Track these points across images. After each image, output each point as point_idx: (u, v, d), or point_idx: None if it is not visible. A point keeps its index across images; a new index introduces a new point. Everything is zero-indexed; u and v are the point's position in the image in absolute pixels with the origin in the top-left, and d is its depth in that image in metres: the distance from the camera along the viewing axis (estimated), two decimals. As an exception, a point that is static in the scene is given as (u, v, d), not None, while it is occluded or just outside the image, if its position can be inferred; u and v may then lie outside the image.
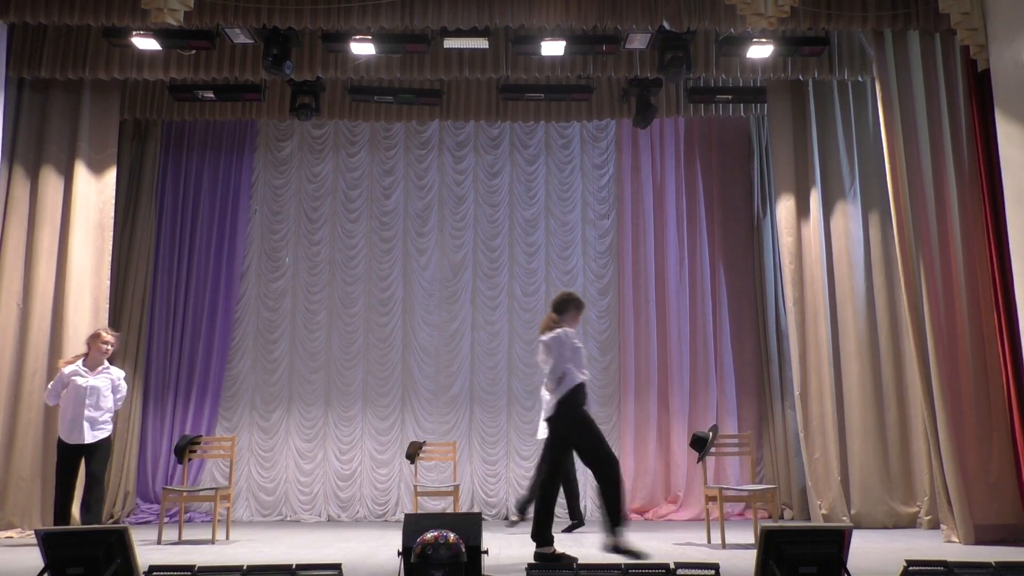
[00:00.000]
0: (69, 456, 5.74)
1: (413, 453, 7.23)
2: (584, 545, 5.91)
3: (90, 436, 5.72)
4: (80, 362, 5.87)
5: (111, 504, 7.71)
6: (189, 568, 3.53)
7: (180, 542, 6.17)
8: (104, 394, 5.82)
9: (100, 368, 5.87)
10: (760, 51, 6.85)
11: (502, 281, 8.79)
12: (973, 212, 6.24)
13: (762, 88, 7.81)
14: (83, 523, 5.69)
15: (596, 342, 8.66)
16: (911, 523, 6.95)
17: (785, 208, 7.51)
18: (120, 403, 6.02)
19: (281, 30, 6.61)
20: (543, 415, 5.15)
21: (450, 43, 6.81)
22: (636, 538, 6.25)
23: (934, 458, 6.20)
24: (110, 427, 5.86)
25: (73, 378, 5.79)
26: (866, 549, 5.37)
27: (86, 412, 5.73)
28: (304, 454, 8.45)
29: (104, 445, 5.80)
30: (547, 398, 5.33)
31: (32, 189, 7.14)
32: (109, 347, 5.91)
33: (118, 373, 5.99)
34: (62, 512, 5.72)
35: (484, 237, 8.87)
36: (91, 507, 5.68)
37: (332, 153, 9.00)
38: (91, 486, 5.74)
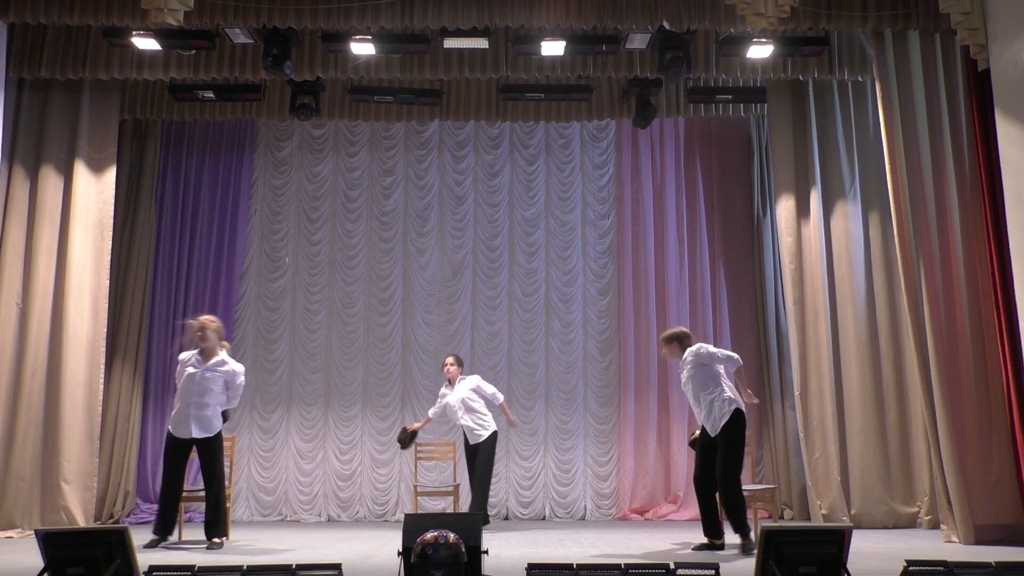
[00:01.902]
0: (174, 450, 5.82)
1: (405, 439, 7.24)
2: (583, 545, 5.91)
3: (197, 431, 5.77)
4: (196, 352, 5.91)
5: (111, 504, 7.72)
6: (189, 568, 3.52)
7: (180, 542, 6.17)
8: (212, 388, 5.80)
9: (214, 360, 5.86)
10: (760, 51, 6.84)
11: (502, 281, 8.79)
12: (973, 212, 6.23)
13: (762, 88, 7.81)
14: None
15: (596, 342, 8.66)
16: (911, 523, 6.95)
17: (785, 208, 7.51)
18: (234, 399, 5.97)
19: (281, 30, 6.61)
20: (710, 424, 5.47)
21: (450, 43, 6.81)
22: (636, 538, 6.27)
23: (934, 458, 6.20)
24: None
25: (186, 367, 5.86)
26: (866, 549, 5.37)
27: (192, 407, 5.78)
28: (304, 454, 8.45)
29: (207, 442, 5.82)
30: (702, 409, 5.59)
31: (32, 189, 7.13)
32: (199, 335, 5.86)
33: (235, 368, 5.93)
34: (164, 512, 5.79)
35: (484, 237, 8.87)
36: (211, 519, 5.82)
37: (332, 153, 9.00)
38: (208, 491, 5.85)
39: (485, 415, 7.24)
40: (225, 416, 6.08)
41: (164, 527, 5.77)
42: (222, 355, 5.92)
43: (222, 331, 5.99)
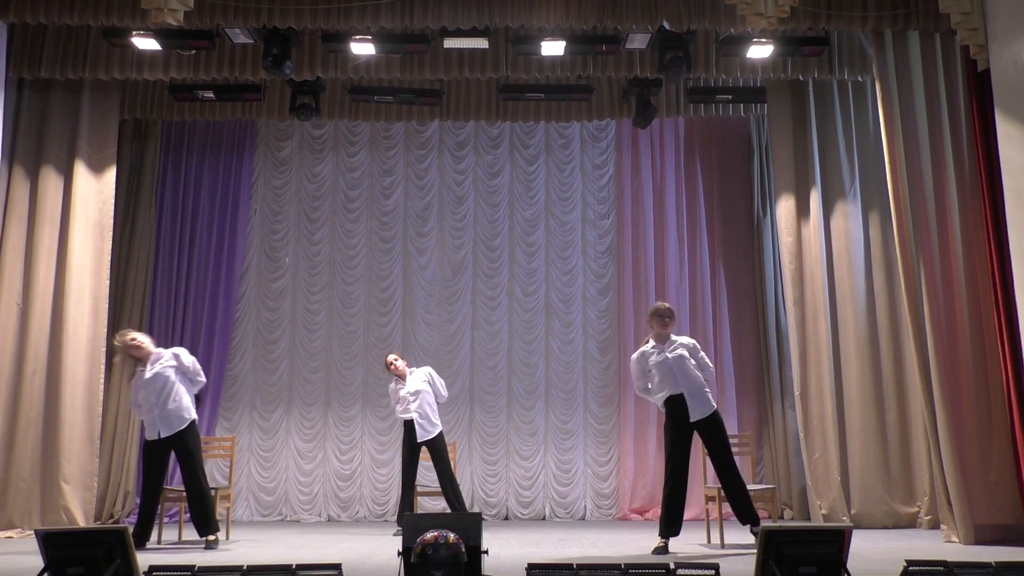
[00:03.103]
0: (149, 454, 5.84)
1: None
2: (583, 545, 5.91)
3: (164, 430, 5.78)
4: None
5: (111, 504, 7.72)
6: (189, 568, 3.52)
7: (180, 542, 6.18)
8: (167, 382, 5.83)
9: (153, 358, 5.91)
10: (760, 51, 6.84)
11: (502, 281, 8.79)
12: (973, 212, 6.23)
13: (762, 88, 7.81)
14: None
15: (596, 342, 8.66)
16: (911, 523, 6.95)
17: (785, 208, 7.51)
18: (196, 377, 6.02)
19: (281, 30, 6.61)
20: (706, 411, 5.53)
21: (450, 43, 6.81)
22: (636, 538, 6.28)
23: (934, 458, 6.19)
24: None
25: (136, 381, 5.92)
26: (866, 549, 5.37)
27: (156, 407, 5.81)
28: (304, 454, 8.45)
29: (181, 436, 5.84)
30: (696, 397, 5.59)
31: (32, 189, 7.13)
32: (133, 350, 5.91)
33: (170, 353, 5.99)
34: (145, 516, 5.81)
35: (484, 237, 8.87)
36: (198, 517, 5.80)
37: (332, 153, 9.00)
38: (187, 489, 5.84)
39: (435, 410, 7.04)
40: (199, 399, 6.14)
41: (141, 534, 5.72)
42: (158, 350, 5.96)
43: (135, 340, 5.98)
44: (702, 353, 5.72)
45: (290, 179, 8.93)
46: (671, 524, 5.45)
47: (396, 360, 7.18)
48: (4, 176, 7.01)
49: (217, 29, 6.56)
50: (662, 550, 5.34)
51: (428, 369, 7.26)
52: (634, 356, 5.76)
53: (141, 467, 5.95)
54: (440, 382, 7.20)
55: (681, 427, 5.52)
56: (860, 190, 7.46)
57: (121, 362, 6.01)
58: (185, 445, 5.82)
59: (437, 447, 6.97)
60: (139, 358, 5.93)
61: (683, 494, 5.55)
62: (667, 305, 5.76)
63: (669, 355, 5.55)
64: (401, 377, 7.13)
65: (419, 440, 6.92)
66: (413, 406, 6.96)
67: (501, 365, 8.63)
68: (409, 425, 6.97)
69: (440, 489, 7.08)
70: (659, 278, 8.66)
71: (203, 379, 6.13)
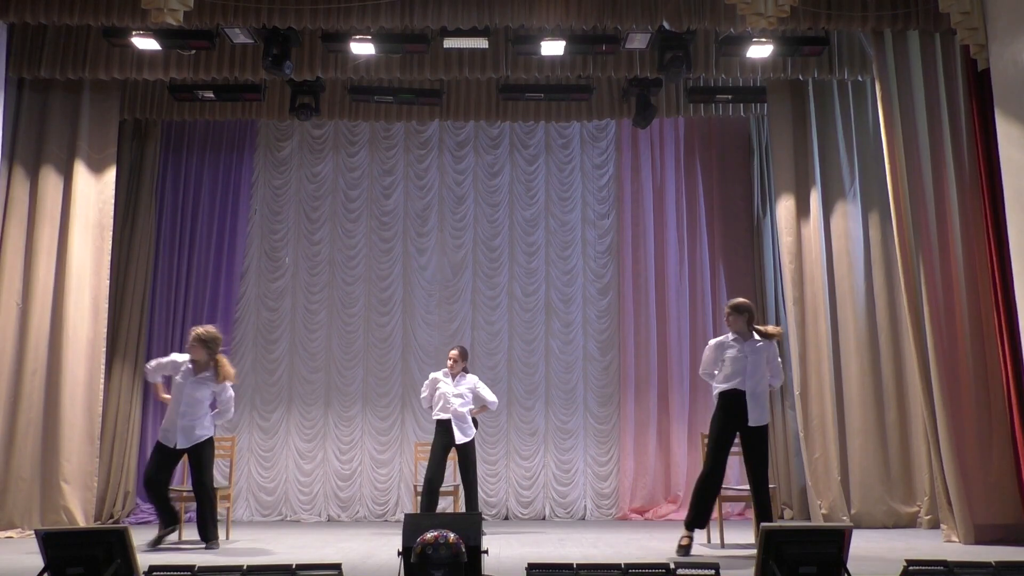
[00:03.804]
0: (160, 454, 5.84)
1: None
2: (583, 545, 5.91)
3: (183, 442, 5.80)
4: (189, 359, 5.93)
5: (111, 504, 7.72)
6: (189, 568, 3.52)
7: (180, 542, 6.17)
8: (201, 403, 5.87)
9: (203, 373, 5.89)
10: (760, 51, 6.84)
11: (502, 281, 8.79)
12: (973, 212, 6.24)
13: (762, 88, 7.81)
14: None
15: (596, 342, 8.66)
16: (911, 523, 6.96)
17: (785, 208, 7.51)
18: (221, 416, 6.07)
19: (281, 30, 6.61)
20: (757, 417, 5.41)
21: (450, 43, 6.81)
22: (636, 538, 6.28)
23: (934, 458, 6.20)
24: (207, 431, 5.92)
25: (177, 373, 5.88)
26: (866, 549, 5.38)
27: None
28: (304, 454, 8.45)
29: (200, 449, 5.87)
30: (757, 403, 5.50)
31: (32, 189, 7.13)
32: (192, 343, 5.89)
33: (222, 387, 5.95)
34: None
35: (484, 237, 8.87)
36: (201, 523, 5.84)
37: (332, 153, 8.99)
38: (196, 497, 5.86)
39: (468, 417, 6.94)
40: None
41: (169, 518, 5.82)
42: (210, 370, 5.90)
43: (216, 342, 5.91)
44: (779, 360, 5.63)
45: (290, 179, 8.93)
46: (699, 516, 5.36)
47: (455, 359, 7.01)
48: (4, 176, 7.01)
49: (217, 29, 6.56)
50: (686, 549, 5.24)
51: (476, 379, 7.14)
52: (712, 342, 5.65)
53: (148, 464, 5.92)
54: (488, 392, 7.07)
55: (731, 424, 5.43)
56: (860, 190, 7.46)
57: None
58: (199, 459, 5.86)
59: (469, 453, 6.87)
60: (195, 359, 5.89)
61: (717, 489, 5.47)
62: (749, 301, 5.68)
63: (750, 354, 5.47)
64: (452, 375, 6.99)
65: (457, 442, 6.79)
66: (452, 407, 6.84)
67: (501, 365, 8.62)
68: (444, 426, 6.84)
69: (449, 490, 7.04)
70: (659, 278, 8.66)
71: (230, 416, 6.22)
